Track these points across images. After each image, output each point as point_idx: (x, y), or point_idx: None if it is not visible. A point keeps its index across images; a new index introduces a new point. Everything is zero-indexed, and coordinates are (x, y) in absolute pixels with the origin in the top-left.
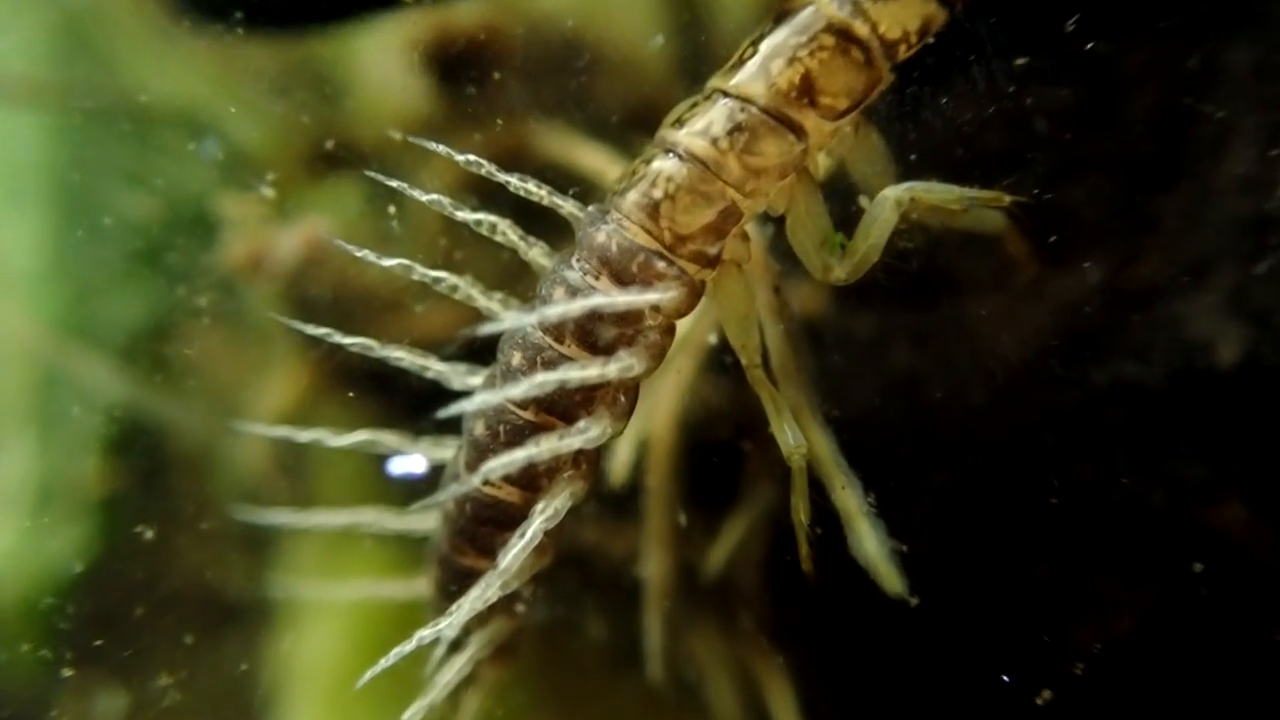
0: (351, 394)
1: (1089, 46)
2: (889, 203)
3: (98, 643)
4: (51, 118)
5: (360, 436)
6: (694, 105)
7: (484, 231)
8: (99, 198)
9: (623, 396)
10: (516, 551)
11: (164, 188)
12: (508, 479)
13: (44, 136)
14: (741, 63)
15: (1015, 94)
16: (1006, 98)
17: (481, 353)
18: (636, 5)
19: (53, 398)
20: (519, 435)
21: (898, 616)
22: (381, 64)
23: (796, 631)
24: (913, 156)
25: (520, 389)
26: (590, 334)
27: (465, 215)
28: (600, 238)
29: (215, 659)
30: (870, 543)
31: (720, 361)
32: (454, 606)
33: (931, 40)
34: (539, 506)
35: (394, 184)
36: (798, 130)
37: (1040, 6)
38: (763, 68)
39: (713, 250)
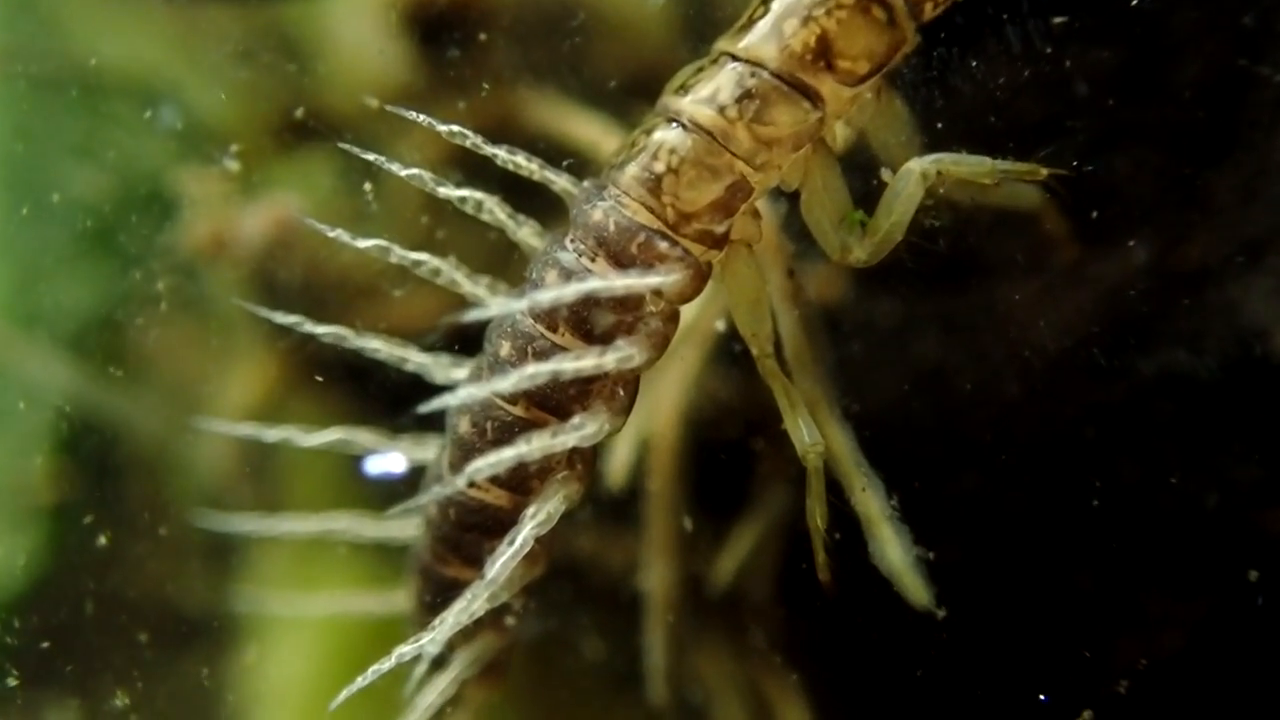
0: (324, 388)
1: (1134, 3)
2: (914, 176)
3: (46, 658)
4: None
5: (333, 435)
6: (699, 70)
7: (469, 209)
8: (45, 172)
9: (621, 390)
10: (505, 560)
11: (117, 161)
12: (495, 481)
13: None
14: (751, 23)
15: (1053, 56)
16: (1043, 60)
17: (467, 342)
18: None
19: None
20: (508, 432)
21: (924, 630)
22: (355, 25)
23: (813, 648)
24: (940, 125)
25: (509, 381)
26: (586, 321)
27: (449, 191)
28: (597, 216)
29: (175, 677)
30: (894, 550)
31: (729, 351)
32: (437, 621)
33: None
34: (530, 511)
35: (370, 157)
36: (813, 97)
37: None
38: (775, 28)
39: (720, 229)
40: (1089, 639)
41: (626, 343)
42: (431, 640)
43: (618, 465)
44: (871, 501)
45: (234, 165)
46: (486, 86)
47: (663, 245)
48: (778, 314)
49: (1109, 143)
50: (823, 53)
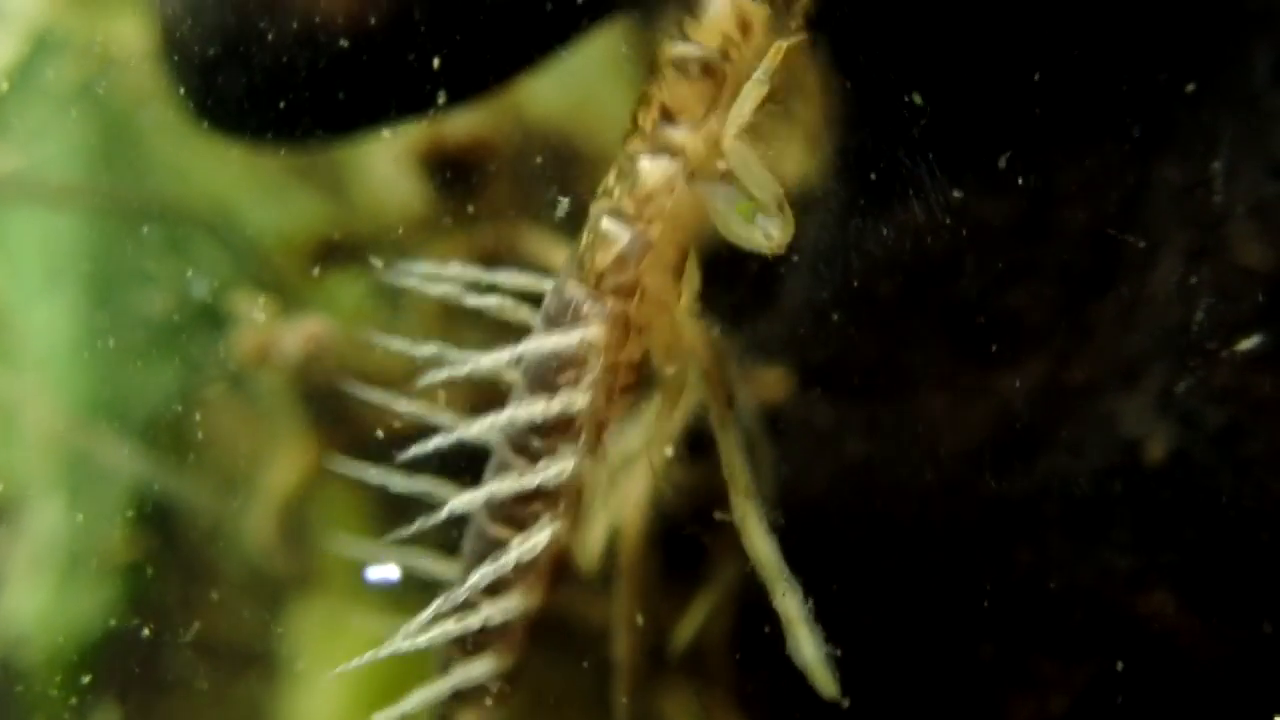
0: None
1: (1020, 182)
2: (735, 147)
3: (121, 701)
4: (87, 216)
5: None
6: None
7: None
8: (126, 288)
9: (586, 434)
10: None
11: (182, 281)
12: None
13: (80, 229)
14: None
15: (953, 224)
16: (945, 228)
17: None
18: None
19: (81, 466)
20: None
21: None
22: (382, 166)
23: (759, 697)
24: (856, 283)
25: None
26: (547, 381)
27: (475, 301)
28: (546, 299)
29: (228, 713)
30: (808, 648)
31: (691, 449)
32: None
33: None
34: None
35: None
36: (673, 153)
37: (975, 146)
38: (631, 119)
39: (626, 279)
40: (985, 705)
41: (577, 395)
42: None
43: (591, 551)
44: (791, 604)
45: (276, 285)
46: (489, 220)
47: (586, 305)
48: (718, 439)
49: (1009, 280)
50: (666, 116)
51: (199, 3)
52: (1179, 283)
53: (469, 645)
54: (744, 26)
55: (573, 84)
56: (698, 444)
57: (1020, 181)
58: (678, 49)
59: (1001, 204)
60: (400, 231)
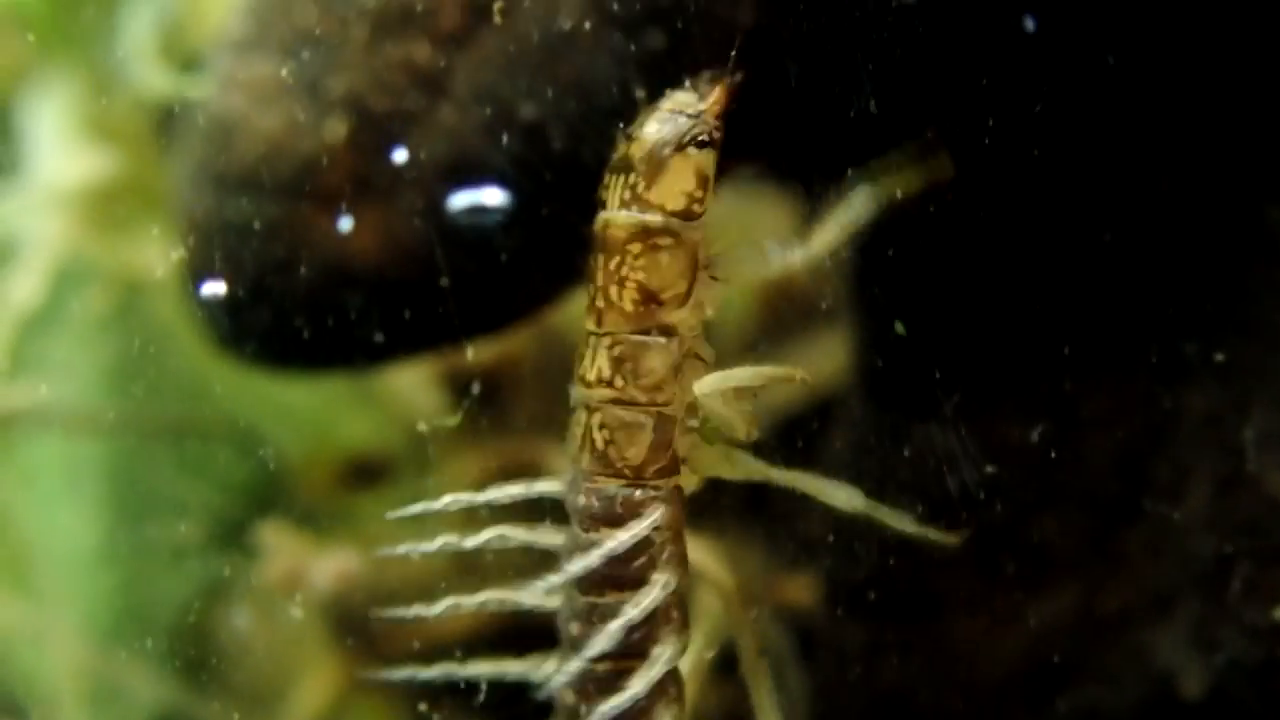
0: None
1: (1052, 456)
2: (710, 402)
3: None
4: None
5: None
6: (580, 356)
7: (496, 546)
8: (149, 506)
9: (675, 611)
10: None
11: (207, 501)
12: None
13: (102, 450)
14: (594, 304)
15: (980, 450)
16: (969, 454)
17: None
18: None
19: (104, 686)
20: (609, 683)
21: None
22: (409, 389)
23: None
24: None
25: (596, 646)
26: (621, 577)
27: (472, 542)
28: (582, 501)
29: None
30: None
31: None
32: None
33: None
34: None
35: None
36: (667, 332)
37: (1002, 375)
38: (608, 300)
39: (666, 460)
40: None
41: (659, 574)
42: None
43: None
44: None
45: (304, 507)
46: (513, 435)
47: (637, 494)
48: (749, 685)
49: (1041, 507)
50: (648, 296)
51: (225, 244)
52: (1208, 513)
53: None
54: (702, 180)
55: None
56: (726, 666)
57: (1048, 409)
58: (641, 221)
59: (1029, 431)
60: (428, 448)
